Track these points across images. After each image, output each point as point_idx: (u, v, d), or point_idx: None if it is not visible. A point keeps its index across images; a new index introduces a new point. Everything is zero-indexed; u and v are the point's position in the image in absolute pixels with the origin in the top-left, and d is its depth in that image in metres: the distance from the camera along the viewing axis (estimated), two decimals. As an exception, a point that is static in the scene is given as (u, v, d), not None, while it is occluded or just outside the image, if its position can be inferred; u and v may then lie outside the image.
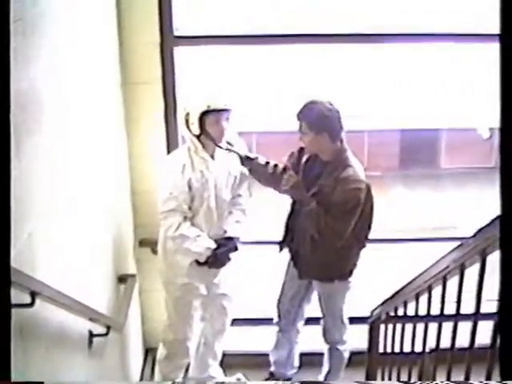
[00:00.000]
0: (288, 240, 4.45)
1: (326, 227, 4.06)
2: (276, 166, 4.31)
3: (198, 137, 4.11)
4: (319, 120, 4.02)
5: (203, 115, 4.03)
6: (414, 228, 12.29)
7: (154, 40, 4.49)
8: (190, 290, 4.40)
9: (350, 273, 4.38)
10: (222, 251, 4.26)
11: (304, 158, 4.27)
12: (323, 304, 4.53)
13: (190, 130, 4.11)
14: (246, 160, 4.28)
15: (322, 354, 4.69)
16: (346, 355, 4.63)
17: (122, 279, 4.40)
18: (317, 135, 4.04)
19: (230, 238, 4.32)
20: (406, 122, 13.85)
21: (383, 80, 12.55)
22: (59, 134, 3.01)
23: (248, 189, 4.48)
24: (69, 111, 3.20)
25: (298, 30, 4.92)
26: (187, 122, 4.09)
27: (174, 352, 4.64)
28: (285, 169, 4.28)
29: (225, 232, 4.33)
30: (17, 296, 2.22)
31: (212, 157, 4.20)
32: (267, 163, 4.33)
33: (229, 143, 4.21)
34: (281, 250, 4.51)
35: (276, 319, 4.71)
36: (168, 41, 4.53)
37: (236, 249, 4.34)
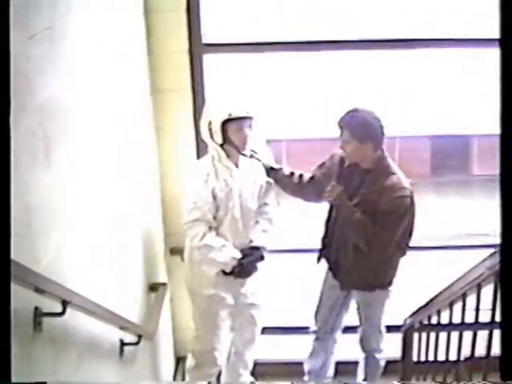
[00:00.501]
0: (326, 250, 4.38)
1: (374, 237, 3.98)
2: (301, 176, 4.28)
3: (221, 145, 4.07)
4: (363, 128, 3.95)
5: (225, 123, 3.99)
6: (447, 235, 12.17)
7: (183, 47, 4.49)
8: (216, 300, 4.34)
9: (391, 281, 4.32)
10: (248, 261, 4.21)
11: (340, 167, 4.17)
12: (362, 313, 4.47)
13: (213, 139, 4.07)
14: (270, 171, 4.27)
15: (356, 363, 4.65)
16: (383, 363, 4.57)
17: (152, 288, 4.39)
18: (360, 143, 3.96)
19: (256, 248, 4.27)
20: (437, 128, 13.75)
21: (414, 85, 12.46)
22: (89, 142, 3.02)
23: (275, 197, 4.43)
24: (98, 119, 3.21)
25: (325, 36, 4.88)
26: (210, 130, 4.05)
27: (202, 362, 4.59)
28: (312, 178, 4.25)
29: (251, 241, 4.28)
30: (48, 305, 2.23)
31: (236, 165, 4.16)
32: (292, 174, 4.30)
33: (253, 151, 4.17)
34: (319, 260, 4.45)
35: (314, 328, 4.64)
36: (197, 48, 4.53)
37: (262, 258, 4.29)
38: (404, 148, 14.47)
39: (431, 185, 15.39)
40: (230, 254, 4.14)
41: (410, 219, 4.08)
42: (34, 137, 2.29)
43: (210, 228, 4.14)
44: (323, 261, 4.44)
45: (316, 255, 4.43)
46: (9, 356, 1.64)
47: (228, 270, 4.18)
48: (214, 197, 4.10)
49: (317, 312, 4.61)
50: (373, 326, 4.46)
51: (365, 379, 4.61)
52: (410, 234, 4.15)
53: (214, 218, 4.15)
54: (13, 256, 1.84)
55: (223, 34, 4.92)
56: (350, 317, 4.60)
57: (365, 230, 3.98)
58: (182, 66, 4.52)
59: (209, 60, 4.68)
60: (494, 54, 2.03)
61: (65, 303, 2.31)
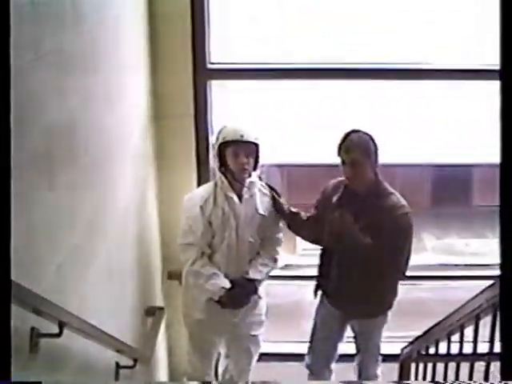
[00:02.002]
0: (324, 280, 4.32)
1: (386, 261, 3.94)
2: (311, 217, 4.26)
3: (223, 172, 4.04)
4: (365, 150, 3.94)
5: (221, 147, 3.98)
6: (446, 265, 12.17)
7: (188, 73, 4.52)
8: (206, 326, 4.28)
9: (392, 305, 4.30)
10: (238, 292, 4.16)
11: (337, 196, 4.13)
12: (361, 341, 4.43)
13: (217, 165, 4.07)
14: (287, 214, 4.23)
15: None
16: None
17: (149, 312, 4.39)
18: (362, 167, 3.95)
19: (250, 280, 4.20)
20: (438, 158, 13.78)
21: (416, 114, 12.50)
22: (92, 165, 3.03)
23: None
24: (102, 142, 3.22)
25: (328, 63, 4.90)
26: (213, 149, 4.07)
27: None
28: (314, 219, 4.23)
29: (246, 273, 4.20)
30: (45, 326, 2.22)
31: (239, 196, 4.10)
32: (308, 218, 4.24)
33: (271, 188, 4.21)
34: (316, 293, 4.41)
35: (308, 362, 4.56)
36: (201, 74, 4.55)
37: (255, 292, 4.24)
38: (404, 178, 14.49)
39: (431, 215, 15.39)
40: (219, 284, 4.09)
41: (411, 238, 4.06)
42: (38, 157, 2.30)
43: (203, 254, 4.10)
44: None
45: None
46: (9, 356, 1.63)
47: (215, 298, 4.13)
48: (210, 223, 4.07)
49: (311, 345, 4.54)
50: (372, 353, 4.43)
51: None
52: (409, 254, 4.10)
53: (209, 245, 4.11)
54: (13, 276, 1.84)
55: (228, 59, 4.92)
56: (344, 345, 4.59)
57: (375, 254, 3.92)
58: (186, 92, 4.55)
59: (214, 86, 4.70)
60: (495, 85, 2.05)
61: (62, 324, 2.30)
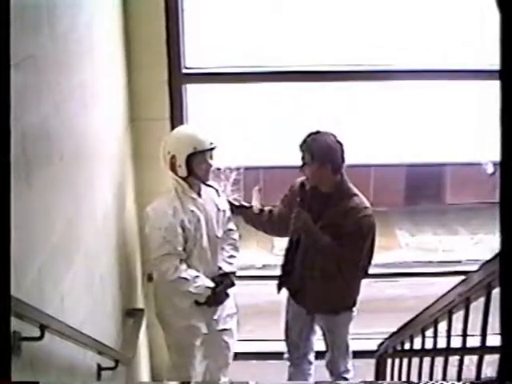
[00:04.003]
0: (287, 277, 4.43)
1: (344, 260, 4.05)
2: (271, 211, 4.38)
3: (184, 178, 4.10)
4: (324, 151, 4.03)
5: (190, 157, 4.03)
6: (420, 262, 12.28)
7: (163, 77, 4.55)
8: (191, 331, 4.34)
9: (355, 302, 4.39)
10: (220, 289, 4.27)
11: (301, 193, 4.23)
12: (328, 337, 4.52)
13: (175, 172, 4.09)
14: (240, 209, 4.39)
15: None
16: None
17: (130, 313, 4.41)
18: (320, 167, 4.04)
19: (225, 274, 4.32)
20: (411, 157, 13.87)
21: (388, 115, 12.59)
22: (70, 168, 3.05)
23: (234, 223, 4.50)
24: (79, 145, 3.25)
25: (305, 64, 4.95)
26: (173, 164, 4.07)
27: None
28: (278, 213, 4.33)
29: (220, 269, 4.32)
30: (26, 329, 2.25)
31: (199, 194, 4.19)
32: (261, 211, 4.40)
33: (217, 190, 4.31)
34: (279, 290, 4.50)
35: (286, 355, 4.69)
36: (176, 78, 4.58)
37: (233, 284, 4.35)
38: (378, 177, 14.57)
39: (405, 213, 15.49)
40: (204, 285, 4.17)
41: (372, 239, 4.15)
42: (16, 162, 2.32)
43: (181, 261, 4.13)
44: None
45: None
46: (9, 356, 1.66)
47: (202, 300, 4.20)
48: (183, 229, 4.11)
49: (286, 339, 4.65)
50: (340, 348, 4.52)
51: None
52: (372, 254, 4.21)
53: (184, 250, 4.15)
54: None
55: (203, 63, 4.96)
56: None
57: (334, 253, 4.04)
58: (162, 95, 4.58)
59: (190, 89, 4.73)
60: (468, 85, 2.11)
61: (43, 327, 2.33)
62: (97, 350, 3.26)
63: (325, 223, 4.07)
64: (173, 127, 4.56)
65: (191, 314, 4.29)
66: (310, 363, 4.71)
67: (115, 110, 4.29)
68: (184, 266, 4.13)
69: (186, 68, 4.64)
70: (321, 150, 4.03)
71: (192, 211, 4.14)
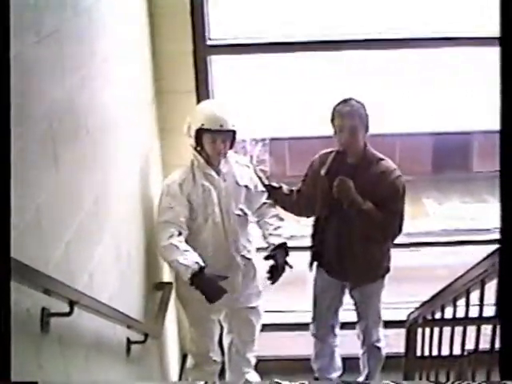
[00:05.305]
0: (319, 254, 4.39)
1: (388, 223, 4.02)
2: (299, 191, 4.32)
3: (200, 151, 4.06)
4: (362, 118, 3.98)
5: (199, 132, 3.99)
6: (447, 231, 12.21)
7: (188, 49, 4.52)
8: (205, 305, 4.02)
9: (389, 269, 4.36)
10: (280, 262, 4.13)
11: (330, 165, 4.11)
12: (362, 307, 4.48)
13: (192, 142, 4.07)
14: (270, 190, 4.30)
15: (356, 359, 4.68)
16: (384, 353, 4.60)
17: (158, 287, 4.41)
18: (359, 134, 3.98)
19: (277, 247, 4.20)
20: (438, 126, 13.76)
21: (416, 83, 12.47)
22: (97, 143, 3.05)
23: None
24: (106, 120, 3.23)
25: (328, 35, 4.88)
26: (188, 129, 4.05)
27: (200, 362, 4.59)
28: (300, 191, 4.28)
29: (244, 248, 4.25)
30: (55, 305, 2.25)
31: (217, 171, 4.12)
32: (291, 191, 4.32)
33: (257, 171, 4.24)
34: (311, 265, 4.45)
35: (312, 330, 4.65)
36: (201, 50, 4.54)
37: (287, 254, 4.21)
38: (405, 146, 14.49)
39: (432, 182, 15.41)
40: (192, 259, 3.90)
41: (404, 200, 4.11)
42: (42, 138, 2.32)
43: (180, 233, 3.99)
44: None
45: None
46: (9, 355, 1.66)
47: (188, 275, 3.86)
48: (190, 202, 4.06)
49: (314, 316, 4.61)
50: (373, 317, 4.49)
51: (369, 372, 4.65)
52: (403, 216, 4.14)
53: (192, 226, 4.08)
54: (22, 257, 1.86)
55: (228, 35, 4.92)
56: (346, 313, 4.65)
57: (377, 217, 3.98)
58: (187, 67, 4.55)
59: (215, 60, 4.70)
60: (495, 52, 2.06)
61: (72, 303, 2.33)
62: (126, 324, 3.28)
63: (358, 192, 3.99)
64: (199, 100, 4.54)
65: None
66: (335, 336, 4.69)
67: (140, 84, 4.27)
68: (181, 238, 3.98)
69: (211, 39, 4.59)
70: (366, 116, 3.99)
71: (203, 185, 4.07)
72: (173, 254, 3.92)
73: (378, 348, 4.58)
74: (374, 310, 4.48)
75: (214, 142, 3.99)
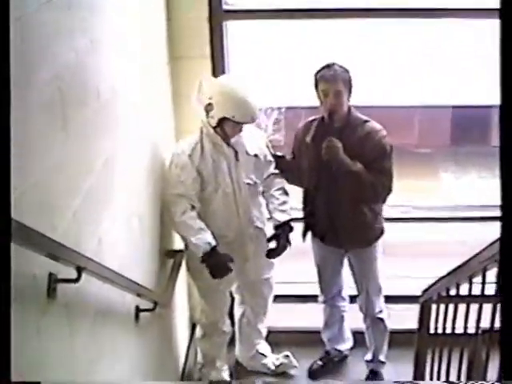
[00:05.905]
0: (311, 223, 4.40)
1: (378, 183, 4.04)
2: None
3: (215, 128, 4.03)
4: (346, 82, 4.00)
5: (225, 118, 3.95)
6: (465, 206, 12.14)
7: (204, 14, 4.45)
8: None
9: (383, 231, 4.37)
10: (282, 241, 4.18)
11: (315, 131, 4.18)
12: (361, 276, 4.50)
13: (207, 115, 4.01)
14: (278, 159, 4.29)
15: (361, 333, 4.71)
16: (388, 324, 4.58)
17: (169, 254, 4.37)
18: (343, 97, 4.02)
19: (282, 224, 4.21)
20: (457, 98, 13.64)
21: (435, 55, 12.33)
22: (107, 108, 2.99)
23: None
24: (115, 85, 3.17)
25: (340, 3, 4.80)
26: (207, 108, 3.98)
27: (210, 332, 4.61)
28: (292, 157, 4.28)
29: (255, 217, 4.24)
30: (63, 271, 2.21)
31: (227, 141, 4.08)
32: (293, 158, 4.31)
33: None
34: (305, 236, 4.46)
35: (320, 298, 4.69)
36: (217, 15, 4.49)
37: (291, 229, 4.24)
38: (423, 119, 14.36)
39: (450, 155, 15.31)
40: (205, 239, 3.96)
41: (391, 158, 4.13)
42: (50, 101, 2.26)
43: (193, 207, 4.01)
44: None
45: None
46: (9, 356, 1.62)
47: (199, 254, 3.97)
48: (199, 172, 4.02)
49: (320, 283, 4.64)
50: (373, 289, 4.49)
51: (376, 347, 4.63)
52: (392, 173, 4.17)
53: (202, 197, 4.07)
54: (30, 222, 1.82)
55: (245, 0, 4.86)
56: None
57: (367, 178, 4.00)
58: (202, 32, 4.48)
59: (231, 27, 4.63)
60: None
61: (80, 269, 2.28)
62: (135, 292, 3.24)
63: (345, 155, 4.00)
64: (214, 66, 4.47)
65: None
66: (344, 299, 4.73)
67: (155, 48, 4.20)
68: (193, 213, 4.00)
69: (227, 4, 4.54)
70: (349, 80, 4.02)
71: (211, 155, 4.05)
72: (186, 231, 4.00)
73: (381, 319, 4.59)
74: (373, 280, 4.48)
75: (238, 127, 4.01)
